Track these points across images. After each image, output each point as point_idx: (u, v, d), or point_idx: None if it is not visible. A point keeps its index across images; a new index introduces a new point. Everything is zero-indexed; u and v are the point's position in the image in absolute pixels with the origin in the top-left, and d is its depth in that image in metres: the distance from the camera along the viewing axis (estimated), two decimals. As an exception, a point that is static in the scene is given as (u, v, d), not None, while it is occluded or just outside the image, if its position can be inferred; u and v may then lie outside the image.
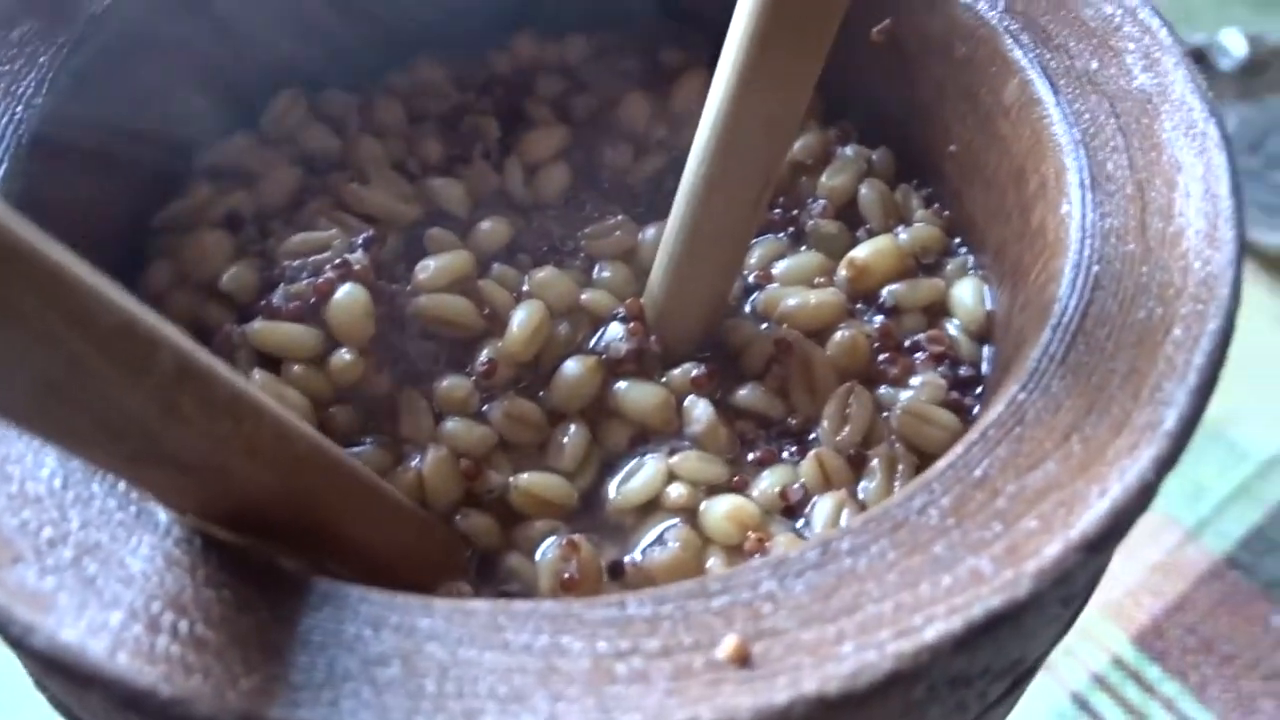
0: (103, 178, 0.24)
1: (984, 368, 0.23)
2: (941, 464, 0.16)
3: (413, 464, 0.22)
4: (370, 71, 0.28)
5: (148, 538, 0.16)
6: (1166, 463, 0.15)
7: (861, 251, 0.24)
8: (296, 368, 0.22)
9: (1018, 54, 0.21)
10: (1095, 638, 0.44)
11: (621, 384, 0.23)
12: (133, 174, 0.25)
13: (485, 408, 0.23)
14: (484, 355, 0.23)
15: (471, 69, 0.28)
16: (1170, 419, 0.16)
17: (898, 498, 0.16)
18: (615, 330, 0.24)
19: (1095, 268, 0.18)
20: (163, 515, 0.16)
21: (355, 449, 0.22)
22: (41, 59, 0.22)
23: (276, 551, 0.17)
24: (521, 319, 0.23)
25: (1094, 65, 0.21)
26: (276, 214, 0.25)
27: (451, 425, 0.22)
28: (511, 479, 0.22)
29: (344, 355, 0.22)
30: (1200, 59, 0.62)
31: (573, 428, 0.23)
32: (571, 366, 0.23)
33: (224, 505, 0.16)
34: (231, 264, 0.24)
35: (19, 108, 0.21)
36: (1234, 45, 0.62)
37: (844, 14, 0.18)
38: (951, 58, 0.23)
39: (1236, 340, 0.55)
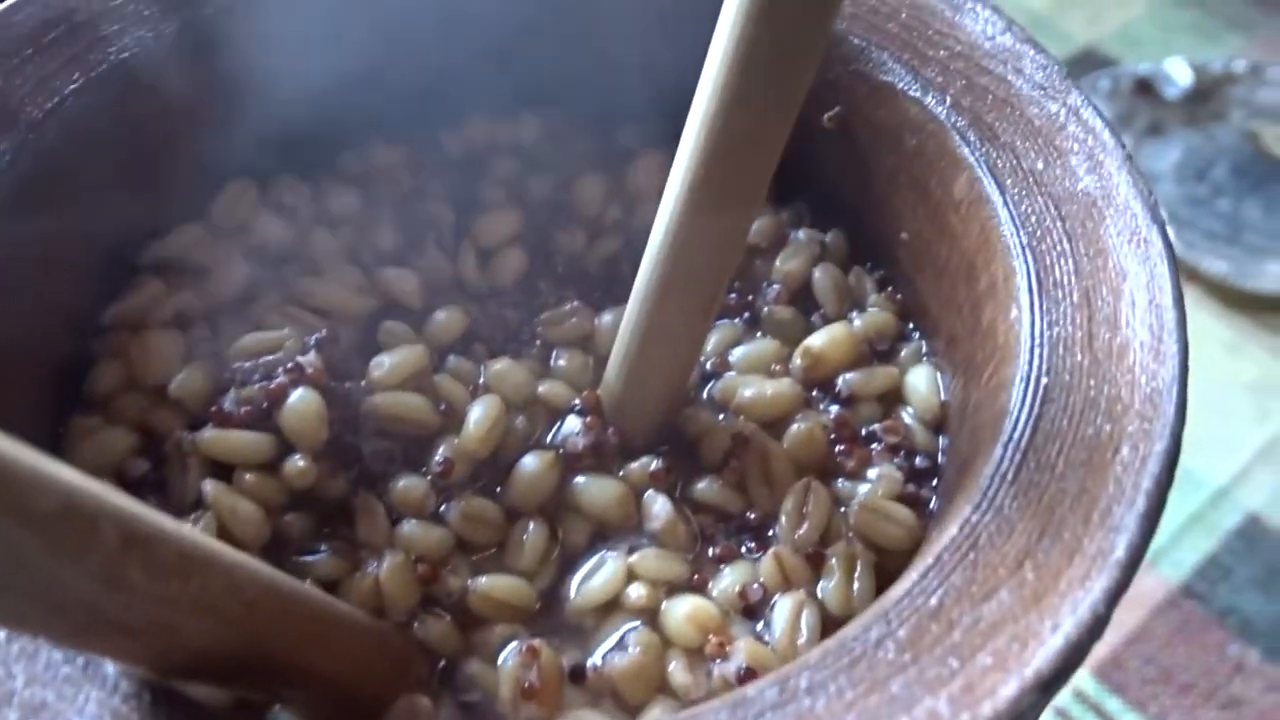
0: (50, 277, 0.23)
1: (940, 458, 0.23)
2: (897, 591, 0.16)
3: (370, 570, 0.22)
4: (323, 156, 0.28)
5: (95, 693, 0.15)
6: (1117, 593, 0.16)
7: (816, 340, 0.24)
8: (249, 476, 0.22)
9: (965, 151, 0.22)
10: (1056, 672, 0.44)
11: (580, 479, 0.23)
12: (81, 271, 0.24)
13: (443, 507, 0.23)
14: (440, 454, 0.23)
15: (425, 151, 0.28)
16: (1120, 546, 0.16)
17: (854, 629, 0.16)
18: (572, 424, 0.23)
19: (1045, 379, 0.18)
20: (110, 668, 0.16)
21: (310, 557, 0.22)
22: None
23: (230, 690, 0.16)
24: (478, 416, 0.23)
25: (1040, 165, 0.21)
26: (228, 309, 0.25)
27: (408, 528, 0.22)
28: (470, 582, 0.22)
29: (298, 461, 0.22)
30: (1146, 88, 0.63)
31: (531, 526, 0.23)
32: (529, 463, 0.23)
33: (174, 659, 0.15)
34: (182, 365, 0.23)
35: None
36: (1179, 74, 0.63)
37: (786, 139, 0.19)
38: (902, 148, 0.23)
39: (1190, 369, 0.56)
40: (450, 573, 0.22)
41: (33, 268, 0.23)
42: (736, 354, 0.25)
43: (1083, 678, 0.44)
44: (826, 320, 0.25)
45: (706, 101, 0.18)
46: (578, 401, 0.24)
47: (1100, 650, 0.45)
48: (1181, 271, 0.58)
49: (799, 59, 0.18)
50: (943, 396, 0.23)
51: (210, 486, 0.22)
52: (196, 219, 0.26)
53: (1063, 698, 0.44)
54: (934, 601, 0.16)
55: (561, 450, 0.23)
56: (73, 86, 0.23)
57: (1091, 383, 0.18)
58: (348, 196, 0.27)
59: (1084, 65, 0.65)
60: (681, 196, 0.19)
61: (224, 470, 0.22)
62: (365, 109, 0.27)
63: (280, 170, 0.27)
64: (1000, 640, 0.15)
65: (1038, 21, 0.69)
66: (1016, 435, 0.18)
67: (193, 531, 0.16)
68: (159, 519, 0.14)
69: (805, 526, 0.22)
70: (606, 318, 0.25)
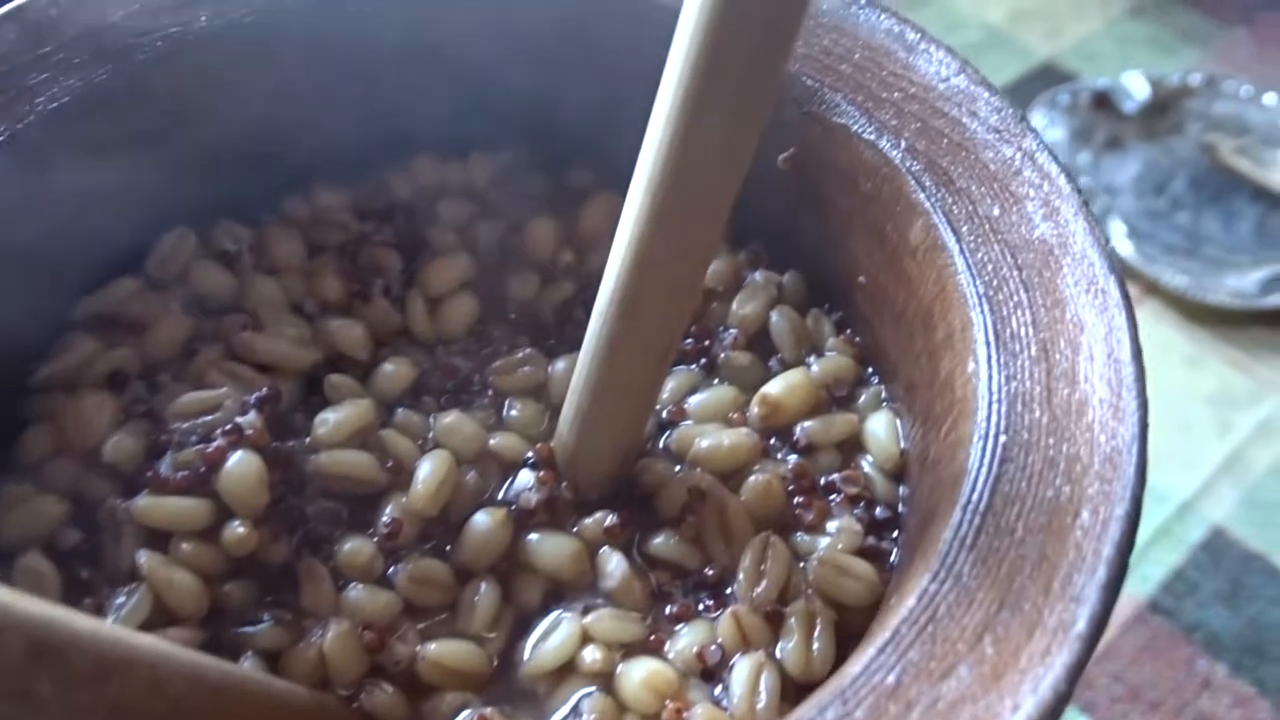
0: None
1: (900, 507, 0.22)
2: (854, 668, 0.16)
3: (314, 640, 0.21)
4: (264, 200, 0.27)
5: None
6: (1078, 668, 0.15)
7: (774, 388, 0.24)
8: (185, 545, 0.21)
9: (921, 196, 0.21)
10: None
11: (533, 536, 0.22)
12: (10, 330, 0.23)
13: (390, 569, 0.22)
14: (388, 514, 0.22)
15: (371, 194, 0.27)
16: (1082, 620, 0.15)
17: (810, 710, 0.15)
18: (525, 478, 0.23)
19: (1003, 436, 0.18)
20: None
21: (252, 629, 0.21)
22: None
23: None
24: (426, 473, 0.22)
25: (996, 211, 0.20)
26: (165, 366, 0.24)
27: (354, 593, 0.21)
28: (419, 648, 0.21)
29: (237, 528, 0.21)
30: (1104, 102, 0.63)
31: (483, 587, 0.22)
32: (480, 520, 0.22)
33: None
34: (115, 429, 0.22)
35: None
36: (1136, 88, 0.64)
37: (737, 192, 0.18)
38: (857, 191, 0.23)
39: (1151, 383, 0.56)
40: (399, 639, 0.21)
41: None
42: (693, 402, 0.24)
43: (1052, 698, 0.44)
44: (785, 365, 0.24)
45: (655, 149, 0.18)
46: (531, 455, 0.23)
47: (1069, 670, 0.45)
48: (1141, 285, 0.58)
49: (750, 104, 0.17)
50: (902, 444, 0.23)
51: (145, 557, 0.21)
52: (132, 271, 0.25)
53: None
54: (891, 679, 0.15)
55: (514, 507, 0.22)
56: (-2, 139, 0.22)
57: (1050, 441, 0.17)
58: (292, 243, 0.26)
59: (1043, 80, 0.66)
60: (631, 248, 0.19)
61: (160, 538, 0.21)
62: (308, 150, 0.26)
63: (220, 216, 0.26)
64: (961, 721, 0.15)
65: (997, 36, 0.69)
66: (975, 497, 0.17)
67: (111, 629, 0.15)
68: (73, 621, 0.14)
69: (764, 584, 0.21)
70: (560, 365, 0.25)
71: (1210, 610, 0.47)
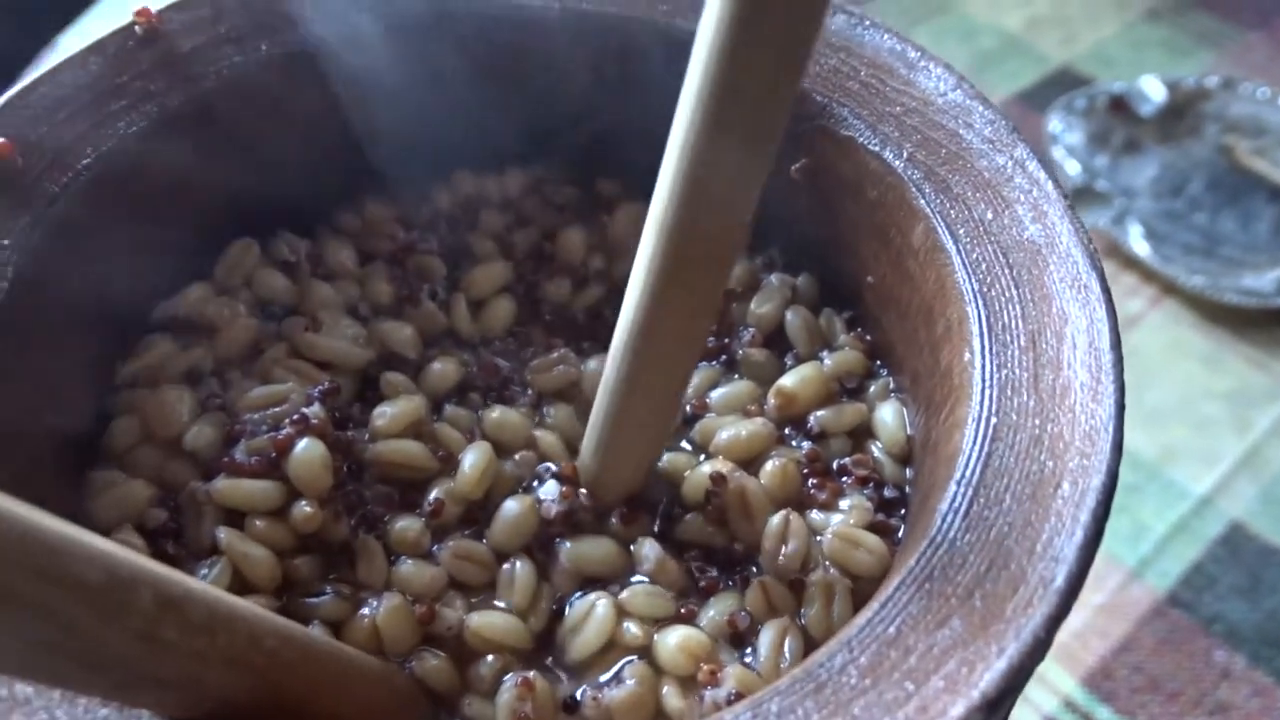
0: (70, 338, 0.25)
1: (907, 489, 0.24)
2: (860, 620, 0.18)
3: (370, 611, 0.23)
4: (319, 213, 0.29)
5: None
6: (1058, 619, 0.17)
7: (788, 380, 0.26)
8: (259, 522, 0.23)
9: (921, 202, 0.23)
10: (1046, 681, 0.45)
11: (567, 544, 0.24)
12: (97, 331, 0.26)
13: (435, 547, 0.24)
14: (433, 495, 0.24)
15: (416, 206, 0.30)
16: (1061, 576, 0.17)
17: (821, 655, 0.17)
18: (550, 488, 0.24)
19: (994, 419, 0.20)
20: (146, 714, 0.17)
21: (315, 600, 0.23)
22: (4, 241, 0.23)
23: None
24: (472, 460, 0.24)
25: (989, 215, 0.22)
26: (235, 363, 0.26)
27: (405, 568, 0.24)
28: (465, 618, 0.23)
29: (304, 507, 0.23)
30: (1121, 106, 0.64)
31: (519, 564, 0.24)
32: (510, 507, 0.24)
33: (203, 707, 0.17)
34: (194, 420, 0.25)
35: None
36: (1153, 91, 0.65)
37: (744, 245, 0.20)
38: (864, 199, 0.25)
39: (1170, 381, 0.57)
40: (445, 607, 0.23)
41: (54, 330, 0.24)
42: (715, 396, 0.26)
43: (1071, 687, 0.45)
44: (799, 360, 0.26)
45: (672, 174, 0.19)
46: (553, 467, 0.25)
47: (1089, 660, 0.46)
48: (1159, 285, 0.59)
49: (764, 128, 0.18)
50: (909, 430, 0.25)
51: (224, 533, 0.23)
52: (203, 277, 0.27)
53: (1052, 706, 0.45)
54: (892, 630, 0.17)
55: (540, 504, 0.24)
56: (85, 161, 0.25)
57: (1036, 422, 0.19)
58: (346, 252, 0.28)
59: (1060, 84, 0.67)
60: (644, 297, 0.20)
61: (236, 517, 0.24)
62: (358, 167, 0.29)
63: (278, 227, 0.29)
64: (951, 664, 0.17)
65: (1014, 42, 0.71)
66: (968, 473, 0.19)
67: (216, 590, 0.17)
68: (187, 580, 0.16)
69: (785, 554, 0.23)
70: (592, 364, 0.27)
71: (1229, 603, 0.47)
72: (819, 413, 0.25)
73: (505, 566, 0.24)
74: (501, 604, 0.24)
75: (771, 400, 0.25)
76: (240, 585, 0.23)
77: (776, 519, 0.23)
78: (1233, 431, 0.53)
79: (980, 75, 0.68)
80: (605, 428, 0.23)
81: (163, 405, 0.25)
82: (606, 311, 0.28)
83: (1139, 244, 0.58)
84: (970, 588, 0.18)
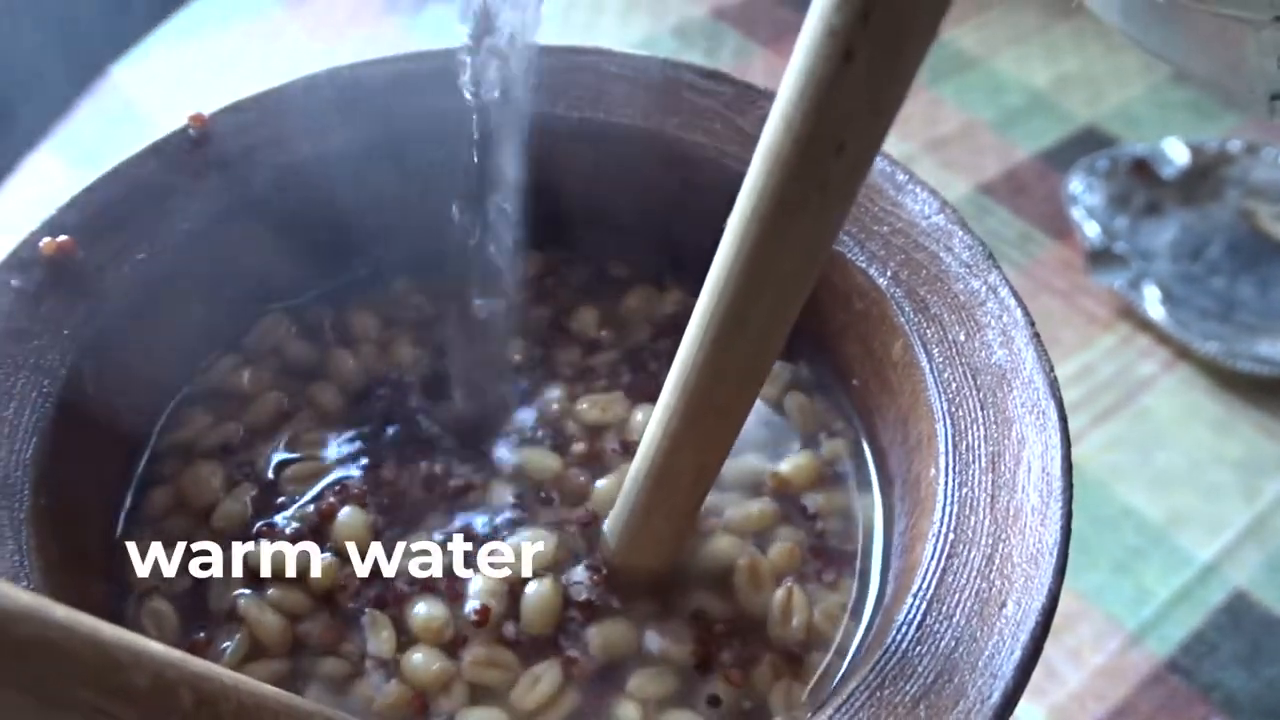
0: (117, 410, 0.28)
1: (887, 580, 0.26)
2: (821, 718, 0.20)
3: (372, 692, 0.24)
4: (352, 288, 0.32)
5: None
6: (991, 733, 0.19)
7: (784, 466, 0.28)
8: (276, 590, 0.26)
9: (901, 320, 0.25)
10: (1042, 741, 0.46)
11: (591, 629, 0.25)
12: (138, 402, 0.28)
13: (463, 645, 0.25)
14: (476, 600, 0.25)
15: (441, 285, 0.32)
16: (998, 692, 0.19)
17: (775, 757, 0.19)
18: (580, 573, 0.26)
19: (952, 535, 0.22)
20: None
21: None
22: (65, 330, 0.26)
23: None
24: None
25: (962, 337, 0.24)
26: (263, 431, 0.29)
27: (417, 658, 0.24)
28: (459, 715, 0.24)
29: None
30: (1143, 168, 0.65)
31: (547, 672, 0.24)
32: (535, 588, 0.25)
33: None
34: (222, 492, 0.27)
35: (46, 380, 0.25)
36: (1176, 154, 0.66)
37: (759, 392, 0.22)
38: (851, 309, 0.27)
39: (1179, 445, 0.58)
40: (445, 697, 0.24)
41: (104, 407, 0.27)
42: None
43: (1068, 750, 0.46)
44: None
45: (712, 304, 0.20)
46: (587, 561, 0.26)
47: (1086, 723, 0.47)
48: (1173, 349, 0.60)
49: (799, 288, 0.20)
50: (881, 527, 0.27)
51: (244, 601, 0.25)
52: (233, 349, 0.30)
53: (1049, 769, 0.46)
54: (842, 735, 0.19)
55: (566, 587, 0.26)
56: (140, 256, 0.27)
57: (989, 542, 0.21)
58: (369, 320, 0.31)
59: (1084, 144, 0.68)
60: (660, 437, 0.22)
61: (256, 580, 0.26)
62: (387, 247, 0.31)
63: (307, 300, 0.31)
64: (893, 773, 0.18)
65: (1039, 100, 0.72)
66: (924, 587, 0.21)
67: (247, 682, 0.19)
68: (220, 675, 0.18)
69: (795, 627, 0.25)
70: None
71: (1229, 671, 0.48)
72: (812, 495, 0.27)
73: (532, 670, 0.24)
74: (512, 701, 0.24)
75: (769, 482, 0.27)
76: (257, 650, 0.25)
77: (781, 592, 0.25)
78: (1241, 499, 0.54)
79: (1005, 132, 0.70)
80: (624, 536, 0.25)
81: (196, 480, 0.27)
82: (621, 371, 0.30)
83: (1155, 308, 0.59)
84: (917, 698, 0.19)
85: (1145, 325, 0.59)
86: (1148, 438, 0.55)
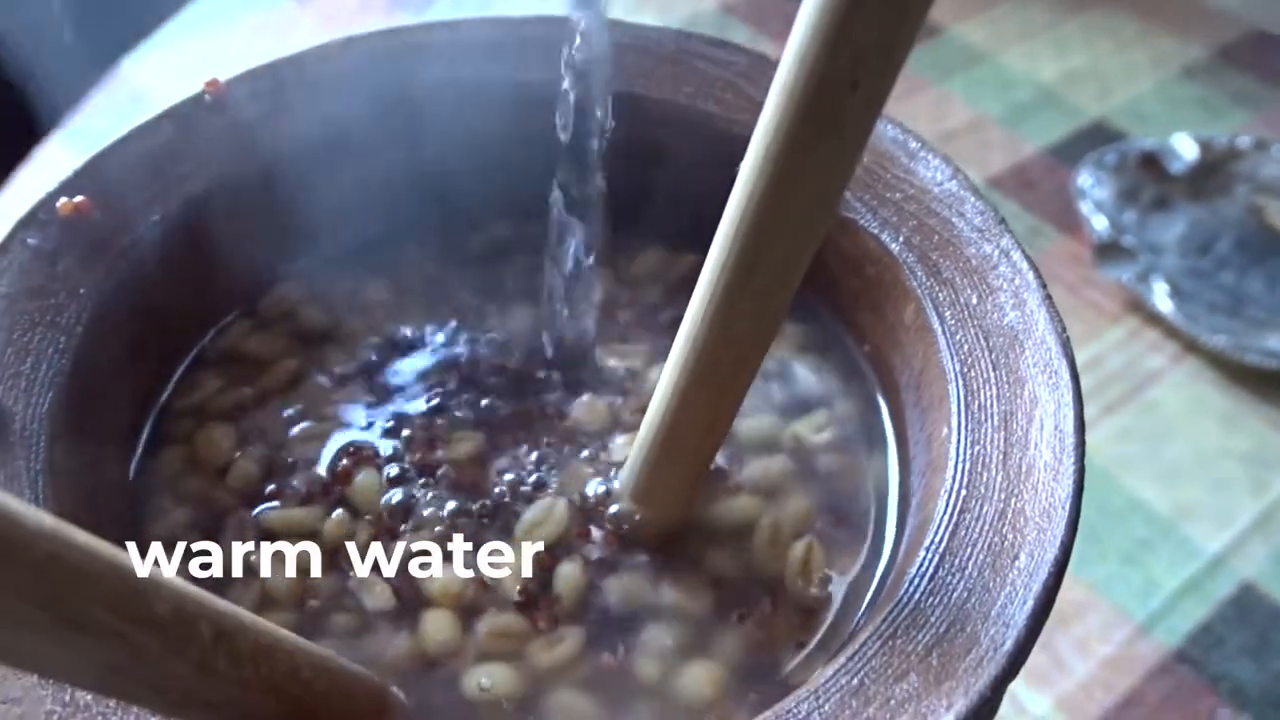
0: (135, 369, 0.28)
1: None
2: (829, 670, 0.20)
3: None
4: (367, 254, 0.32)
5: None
6: (1005, 679, 0.19)
7: (802, 426, 0.28)
8: (291, 545, 0.26)
9: (913, 284, 0.25)
10: (1050, 731, 0.46)
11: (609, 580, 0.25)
12: (157, 362, 0.29)
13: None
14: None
15: (454, 247, 0.32)
16: (1010, 640, 0.19)
17: (789, 702, 0.19)
18: (596, 534, 0.26)
19: (964, 491, 0.22)
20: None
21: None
22: (81, 289, 0.26)
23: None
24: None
25: (974, 300, 0.24)
26: (277, 393, 0.29)
27: (430, 624, 0.25)
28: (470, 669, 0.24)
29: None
30: (1152, 163, 0.65)
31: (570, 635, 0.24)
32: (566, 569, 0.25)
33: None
34: (237, 450, 0.27)
35: (62, 337, 0.25)
36: (1185, 149, 0.66)
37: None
38: (863, 275, 0.27)
39: (1187, 438, 0.57)
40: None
41: (117, 363, 0.27)
42: (741, 428, 0.28)
43: (1075, 742, 0.46)
44: (808, 408, 0.29)
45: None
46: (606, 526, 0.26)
47: (1093, 711, 0.47)
48: (1181, 342, 0.60)
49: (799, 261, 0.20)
50: (897, 484, 0.27)
51: (260, 555, 0.26)
52: (248, 315, 0.30)
53: (1055, 760, 0.46)
54: (856, 681, 0.19)
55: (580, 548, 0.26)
56: (154, 218, 0.28)
57: (1002, 497, 0.21)
58: (379, 286, 0.31)
59: (1093, 139, 0.68)
60: (652, 444, 0.23)
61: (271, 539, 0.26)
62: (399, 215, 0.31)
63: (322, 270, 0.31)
64: (905, 716, 0.18)
65: (1048, 95, 0.72)
66: (937, 540, 0.21)
67: (263, 622, 0.19)
68: (239, 613, 0.18)
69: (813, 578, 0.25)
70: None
71: (1236, 663, 0.48)
72: (828, 455, 0.27)
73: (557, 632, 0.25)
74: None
75: (785, 441, 0.28)
76: (267, 602, 0.25)
77: (800, 546, 0.25)
78: (1248, 492, 0.54)
79: (1013, 127, 0.70)
80: (647, 468, 0.25)
81: (210, 441, 0.28)
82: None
83: (1163, 301, 0.59)
84: (929, 646, 0.19)
85: (1153, 318, 0.59)
86: (1156, 430, 0.55)
